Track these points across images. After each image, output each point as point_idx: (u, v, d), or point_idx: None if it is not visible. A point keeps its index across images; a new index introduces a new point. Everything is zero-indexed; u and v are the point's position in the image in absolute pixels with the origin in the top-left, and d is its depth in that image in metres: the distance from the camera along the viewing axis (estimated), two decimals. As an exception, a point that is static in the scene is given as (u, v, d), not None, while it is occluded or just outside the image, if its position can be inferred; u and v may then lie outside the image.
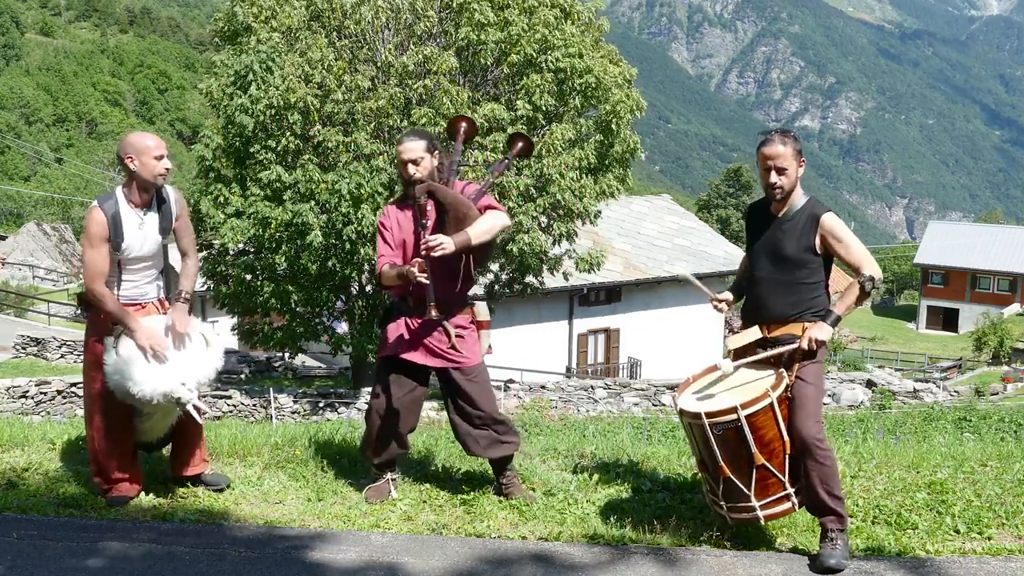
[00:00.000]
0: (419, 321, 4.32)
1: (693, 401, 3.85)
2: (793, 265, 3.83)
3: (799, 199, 3.87)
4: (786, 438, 3.71)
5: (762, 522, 3.81)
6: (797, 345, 3.77)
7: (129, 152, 4.02)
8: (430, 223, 4.12)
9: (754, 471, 3.70)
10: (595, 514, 4.28)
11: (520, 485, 4.54)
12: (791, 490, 3.75)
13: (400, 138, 4.34)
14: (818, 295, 3.86)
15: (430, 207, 4.15)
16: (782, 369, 3.80)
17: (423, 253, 4.03)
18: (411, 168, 4.21)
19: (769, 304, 3.89)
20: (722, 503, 3.84)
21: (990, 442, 7.04)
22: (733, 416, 3.65)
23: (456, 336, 4.30)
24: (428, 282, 4.07)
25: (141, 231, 4.10)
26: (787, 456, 3.72)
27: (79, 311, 4.42)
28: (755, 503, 3.74)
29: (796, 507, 3.79)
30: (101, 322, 4.15)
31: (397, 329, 4.38)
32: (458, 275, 4.30)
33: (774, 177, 3.80)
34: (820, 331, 3.76)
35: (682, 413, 3.83)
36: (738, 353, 3.95)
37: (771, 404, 3.66)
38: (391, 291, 4.44)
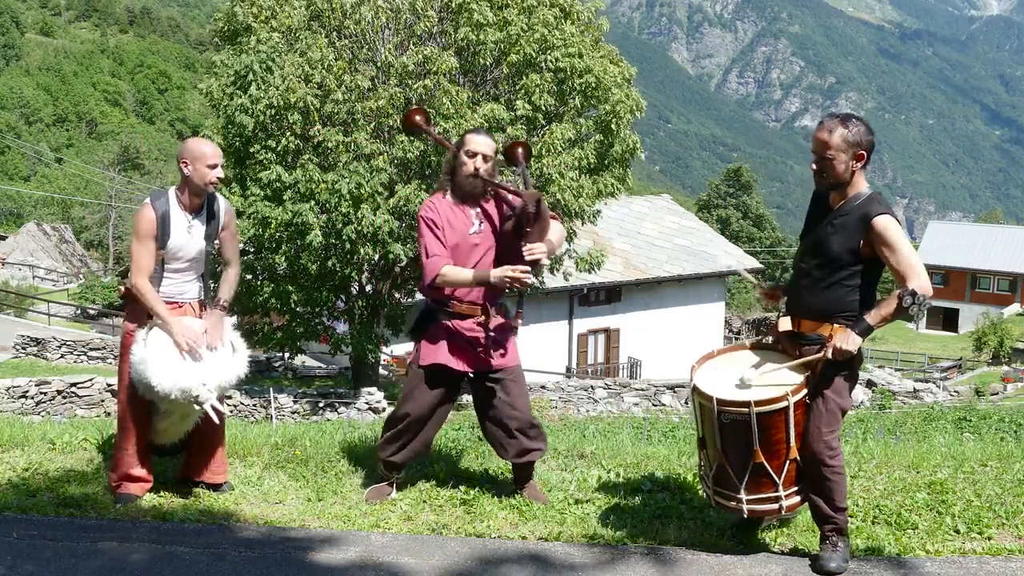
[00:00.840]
0: (463, 326, 4.21)
1: (709, 381, 3.75)
2: (834, 264, 3.57)
3: (859, 193, 3.55)
4: (793, 443, 3.61)
5: (744, 515, 3.77)
6: (822, 355, 3.56)
7: (185, 157, 4.14)
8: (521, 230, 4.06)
9: (751, 467, 3.65)
10: (595, 514, 4.28)
11: (538, 491, 4.50)
12: (782, 492, 3.69)
13: (473, 132, 4.30)
14: (856, 298, 3.56)
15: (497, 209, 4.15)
16: (809, 373, 3.64)
17: (527, 260, 4.00)
18: (480, 162, 4.18)
19: (804, 299, 3.68)
20: (711, 484, 3.82)
21: (990, 442, 7.02)
22: (745, 410, 3.57)
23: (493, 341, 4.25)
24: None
25: (188, 234, 4.21)
26: (788, 461, 3.64)
27: (120, 301, 4.52)
28: (743, 495, 3.70)
29: (781, 511, 3.74)
30: (139, 315, 4.21)
31: (439, 335, 4.26)
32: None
33: (816, 166, 3.54)
34: (846, 340, 3.48)
35: (695, 390, 3.73)
36: (761, 343, 3.91)
37: (786, 408, 3.57)
38: (436, 293, 4.24)
